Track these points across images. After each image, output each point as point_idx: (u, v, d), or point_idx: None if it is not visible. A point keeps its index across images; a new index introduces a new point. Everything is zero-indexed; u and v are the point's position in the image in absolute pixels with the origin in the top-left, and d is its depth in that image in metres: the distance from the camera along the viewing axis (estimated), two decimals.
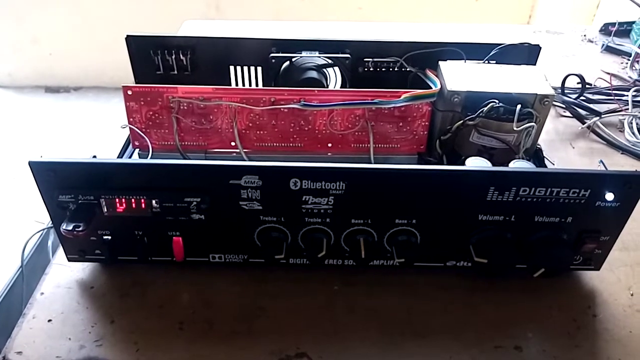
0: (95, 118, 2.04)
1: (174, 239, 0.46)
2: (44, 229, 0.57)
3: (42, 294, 0.47)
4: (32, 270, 0.61)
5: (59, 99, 2.25)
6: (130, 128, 0.54)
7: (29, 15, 2.12)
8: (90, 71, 2.23)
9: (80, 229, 0.41)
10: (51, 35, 2.17)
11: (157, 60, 0.60)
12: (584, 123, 0.71)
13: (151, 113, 0.54)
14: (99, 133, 1.87)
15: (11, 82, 2.29)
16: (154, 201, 0.43)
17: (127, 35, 0.59)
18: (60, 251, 0.49)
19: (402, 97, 0.53)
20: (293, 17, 2.03)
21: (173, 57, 0.60)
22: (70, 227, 0.41)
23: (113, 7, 2.08)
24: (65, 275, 0.48)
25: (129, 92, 0.53)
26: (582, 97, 0.73)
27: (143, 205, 0.43)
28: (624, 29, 0.95)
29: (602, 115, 0.71)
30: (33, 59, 2.23)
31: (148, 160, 0.49)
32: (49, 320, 0.44)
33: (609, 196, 0.43)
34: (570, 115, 0.72)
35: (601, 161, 0.51)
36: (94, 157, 0.47)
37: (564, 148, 0.68)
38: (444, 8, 2.05)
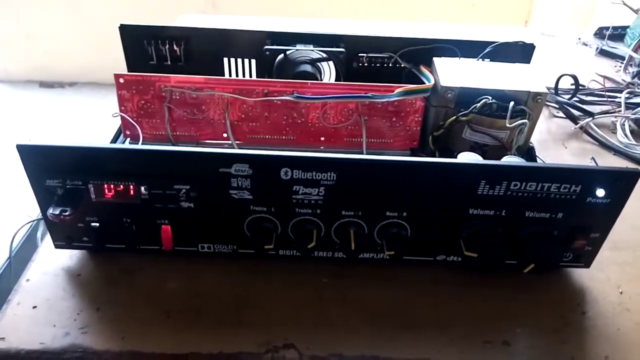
0: (90, 114, 2.03)
1: (163, 227, 0.45)
2: (33, 221, 0.56)
3: (27, 280, 0.46)
4: (20, 261, 0.61)
5: (53, 94, 2.24)
6: (121, 116, 0.54)
7: (24, 10, 2.11)
8: (85, 67, 2.23)
9: (67, 213, 0.41)
10: (46, 31, 2.16)
11: (151, 50, 0.60)
12: (576, 123, 0.71)
13: (143, 102, 0.54)
14: (93, 129, 1.86)
15: (5, 76, 2.28)
16: (142, 188, 0.42)
17: (121, 25, 0.59)
18: (48, 238, 0.48)
19: (395, 92, 0.53)
20: (289, 15, 2.04)
21: (167, 47, 0.60)
22: (57, 212, 0.40)
23: (108, 3, 2.08)
24: (52, 262, 0.48)
25: (121, 80, 0.53)
26: (575, 98, 0.73)
27: (132, 192, 0.43)
28: (618, 33, 0.96)
29: (595, 116, 0.71)
30: (27, 53, 2.22)
31: (137, 146, 0.49)
32: (34, 307, 0.44)
33: (600, 192, 0.43)
34: (564, 115, 0.73)
35: (592, 158, 0.51)
36: None
37: (557, 148, 0.68)
38: (441, 11, 2.07)
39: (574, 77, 0.71)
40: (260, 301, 0.46)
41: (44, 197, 0.43)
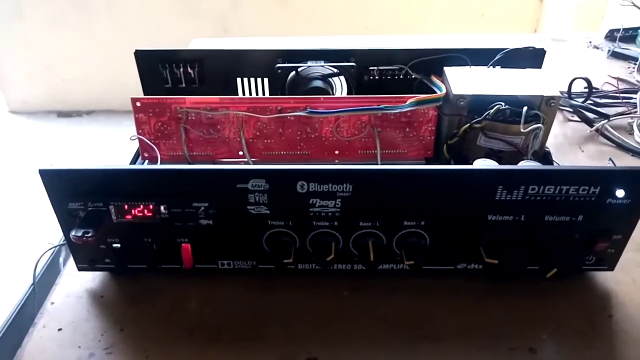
0: (107, 141, 2.07)
1: (183, 245, 0.46)
2: (55, 247, 0.57)
3: (52, 303, 0.47)
4: (43, 287, 0.62)
5: (71, 123, 2.29)
6: (139, 139, 0.55)
7: (41, 41, 2.17)
8: (101, 95, 2.27)
9: (90, 234, 0.41)
10: (63, 61, 2.22)
11: (166, 73, 0.61)
12: (592, 126, 0.70)
13: (160, 124, 0.55)
14: (110, 155, 1.89)
15: (25, 107, 2.33)
16: (162, 207, 0.43)
17: (136, 50, 0.61)
18: (71, 262, 0.49)
19: (407, 102, 0.53)
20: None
21: (181, 70, 0.61)
22: (79, 233, 0.41)
23: (123, 32, 2.13)
24: (76, 284, 0.48)
25: (138, 104, 0.54)
26: (589, 101, 0.73)
27: (151, 212, 0.43)
28: (629, 35, 0.96)
29: (611, 118, 0.71)
30: (46, 84, 2.27)
31: (155, 166, 0.49)
32: (59, 329, 0.44)
33: (620, 193, 0.42)
34: (579, 119, 0.72)
35: (610, 159, 0.50)
36: None
37: (573, 152, 0.68)
38: (450, 23, 2.08)
39: (587, 80, 0.70)
40: (281, 316, 0.46)
41: (67, 220, 0.44)
